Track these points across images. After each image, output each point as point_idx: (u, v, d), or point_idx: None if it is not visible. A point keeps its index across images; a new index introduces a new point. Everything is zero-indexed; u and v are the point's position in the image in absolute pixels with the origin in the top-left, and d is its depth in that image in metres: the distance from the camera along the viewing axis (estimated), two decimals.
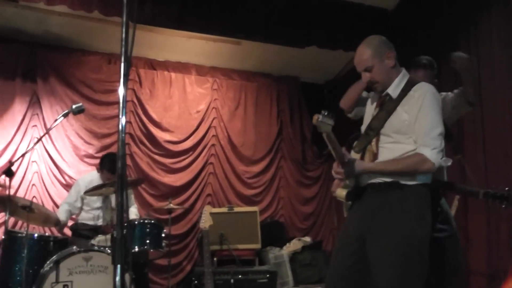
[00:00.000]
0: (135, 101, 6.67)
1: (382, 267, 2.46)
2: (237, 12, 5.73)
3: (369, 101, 2.91)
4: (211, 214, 5.01)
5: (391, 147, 2.62)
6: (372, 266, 2.51)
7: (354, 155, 2.69)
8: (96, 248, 4.19)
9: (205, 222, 4.94)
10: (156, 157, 6.65)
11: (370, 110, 2.84)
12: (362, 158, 2.68)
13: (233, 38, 6.34)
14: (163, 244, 4.64)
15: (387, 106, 2.68)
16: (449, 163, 2.73)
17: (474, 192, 3.20)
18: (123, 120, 1.72)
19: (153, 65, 6.89)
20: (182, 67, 7.03)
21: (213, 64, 7.19)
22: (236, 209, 6.42)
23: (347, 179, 2.64)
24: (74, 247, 4.09)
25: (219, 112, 7.12)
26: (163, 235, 4.65)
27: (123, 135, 1.72)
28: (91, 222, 5.09)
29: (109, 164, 4.95)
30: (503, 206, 3.05)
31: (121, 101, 1.73)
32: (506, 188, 3.07)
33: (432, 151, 2.51)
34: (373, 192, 2.61)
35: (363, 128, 2.80)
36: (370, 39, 2.78)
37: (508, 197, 3.03)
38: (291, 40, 6.16)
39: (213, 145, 7.02)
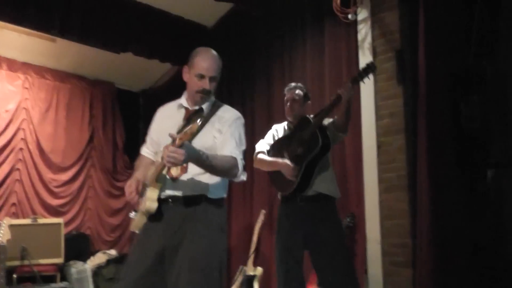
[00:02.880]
0: None
1: (182, 280, 2.45)
2: (52, 7, 5.35)
3: (166, 113, 2.86)
4: (11, 226, 4.56)
5: None
6: (171, 280, 2.48)
7: (161, 162, 2.55)
8: None
9: (3, 235, 4.48)
10: None
11: (171, 122, 2.73)
12: (169, 169, 2.61)
13: (47, 34, 5.88)
14: None
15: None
16: (244, 178, 2.82)
17: (337, 97, 3.48)
18: None
19: None
20: None
21: (26, 59, 6.60)
22: (40, 221, 5.96)
23: (183, 162, 2.41)
24: None
25: (29, 113, 6.55)
26: None
27: None
28: None
29: None
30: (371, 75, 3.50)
31: None
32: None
33: (240, 160, 2.63)
34: (176, 205, 2.59)
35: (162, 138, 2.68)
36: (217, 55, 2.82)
37: (369, 66, 3.47)
38: (107, 43, 5.97)
39: (21, 149, 6.43)
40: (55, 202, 6.59)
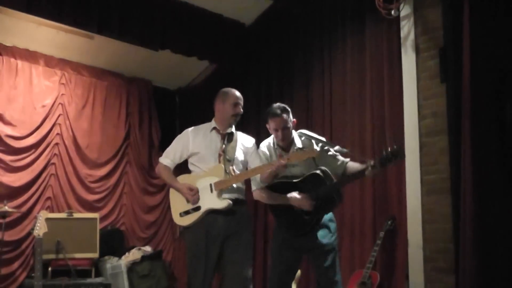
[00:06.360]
0: None
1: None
2: (91, 3, 5.36)
3: (200, 133, 3.67)
4: (48, 220, 4.55)
5: None
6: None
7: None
8: None
9: (40, 229, 4.46)
10: None
11: (209, 139, 3.63)
12: None
13: (85, 31, 5.88)
14: None
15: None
16: None
17: (360, 171, 3.45)
18: None
19: None
20: (30, 56, 6.34)
21: (63, 56, 6.63)
22: (76, 215, 6.01)
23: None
24: None
25: (65, 109, 6.57)
26: None
27: None
28: None
29: None
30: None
31: None
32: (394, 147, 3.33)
33: None
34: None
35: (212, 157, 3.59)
36: None
37: (398, 152, 3.30)
38: (145, 41, 5.94)
39: (56, 144, 6.44)
40: (90, 197, 6.60)
